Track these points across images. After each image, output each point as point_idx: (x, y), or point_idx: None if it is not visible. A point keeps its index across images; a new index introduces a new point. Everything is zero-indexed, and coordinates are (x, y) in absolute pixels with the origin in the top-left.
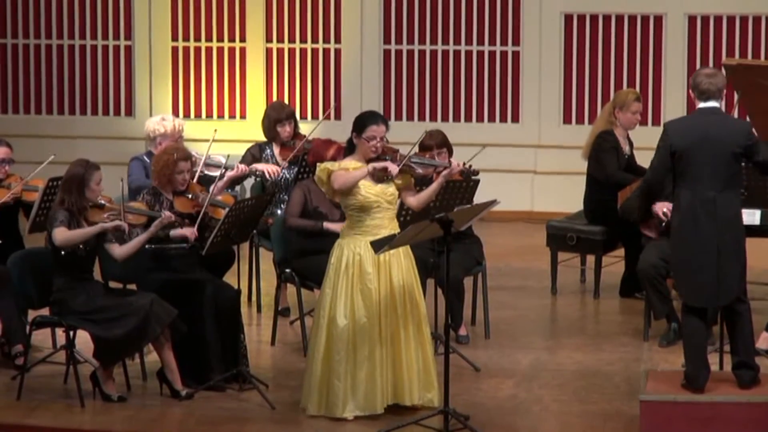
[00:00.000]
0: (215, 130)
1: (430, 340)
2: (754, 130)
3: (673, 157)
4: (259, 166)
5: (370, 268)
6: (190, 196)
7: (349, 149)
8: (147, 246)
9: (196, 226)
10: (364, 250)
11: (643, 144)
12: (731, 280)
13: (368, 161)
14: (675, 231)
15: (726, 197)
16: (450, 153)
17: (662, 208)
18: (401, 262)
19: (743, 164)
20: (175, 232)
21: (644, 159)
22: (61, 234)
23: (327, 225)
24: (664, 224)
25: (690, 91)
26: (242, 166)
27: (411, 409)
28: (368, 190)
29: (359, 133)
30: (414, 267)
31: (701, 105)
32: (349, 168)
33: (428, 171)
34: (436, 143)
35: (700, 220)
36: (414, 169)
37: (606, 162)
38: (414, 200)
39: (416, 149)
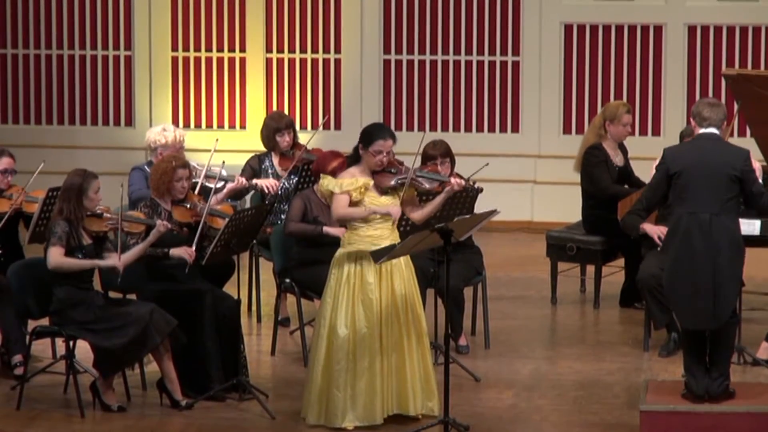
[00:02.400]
0: (217, 140)
1: (429, 349)
2: (754, 139)
3: (670, 179)
4: (258, 182)
5: (372, 279)
6: (188, 205)
7: (353, 159)
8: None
9: (195, 241)
10: (365, 260)
11: (641, 154)
12: (725, 303)
13: (373, 174)
14: (670, 253)
15: (722, 220)
16: (453, 163)
17: (657, 231)
18: (403, 272)
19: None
20: (175, 252)
21: (641, 169)
22: (55, 257)
23: (327, 229)
24: (659, 248)
25: (691, 119)
26: (242, 179)
27: (411, 419)
28: (373, 201)
29: (366, 146)
30: (414, 277)
31: (701, 131)
32: (351, 189)
33: (434, 185)
34: (439, 153)
35: (696, 242)
36: (421, 184)
37: (598, 177)
38: (417, 215)
39: (419, 160)
